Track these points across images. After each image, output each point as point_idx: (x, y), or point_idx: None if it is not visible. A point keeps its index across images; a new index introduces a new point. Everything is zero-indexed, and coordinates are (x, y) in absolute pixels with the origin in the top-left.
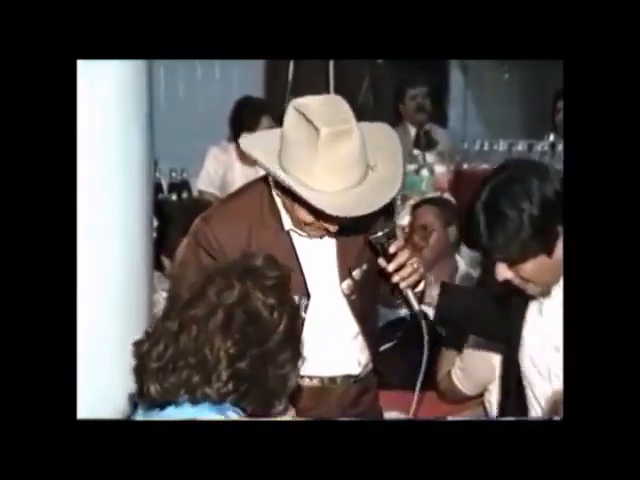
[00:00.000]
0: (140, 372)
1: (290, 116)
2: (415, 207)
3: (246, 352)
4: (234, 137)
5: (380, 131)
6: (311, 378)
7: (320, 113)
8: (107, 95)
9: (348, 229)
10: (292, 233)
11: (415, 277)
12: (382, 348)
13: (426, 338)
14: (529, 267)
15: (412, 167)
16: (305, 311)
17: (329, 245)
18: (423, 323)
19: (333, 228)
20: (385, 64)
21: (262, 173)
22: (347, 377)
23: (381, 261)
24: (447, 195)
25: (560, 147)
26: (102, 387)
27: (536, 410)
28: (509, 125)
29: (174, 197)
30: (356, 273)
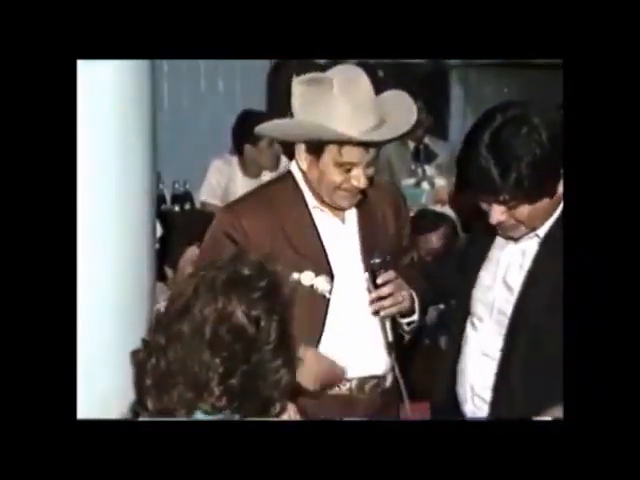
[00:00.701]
0: (138, 383)
1: (298, 89)
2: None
3: (235, 370)
4: (237, 150)
5: (393, 96)
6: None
7: (327, 73)
8: (108, 107)
9: (369, 219)
10: (315, 212)
11: (393, 310)
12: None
13: (397, 370)
14: (527, 209)
15: (412, 180)
16: (330, 293)
17: (352, 231)
18: (393, 356)
19: (363, 182)
20: (384, 77)
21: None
22: (375, 384)
23: (369, 286)
24: (447, 208)
25: None
26: (102, 388)
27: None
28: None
29: (177, 208)
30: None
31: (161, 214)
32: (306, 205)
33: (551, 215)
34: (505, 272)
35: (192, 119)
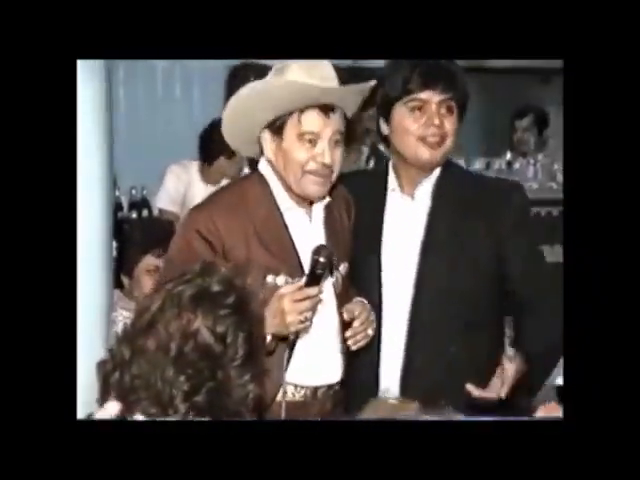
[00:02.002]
0: (102, 396)
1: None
2: None
3: (201, 387)
4: (206, 159)
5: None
6: (295, 387)
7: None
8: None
9: (332, 219)
10: (286, 212)
11: (364, 343)
12: None
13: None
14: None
15: None
16: None
17: (319, 229)
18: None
19: (328, 157)
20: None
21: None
22: (326, 389)
23: (307, 279)
24: None
25: (517, 165)
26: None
27: None
28: (469, 144)
29: (134, 215)
30: (342, 267)
31: (118, 221)
32: (276, 205)
33: None
34: None
35: (149, 124)
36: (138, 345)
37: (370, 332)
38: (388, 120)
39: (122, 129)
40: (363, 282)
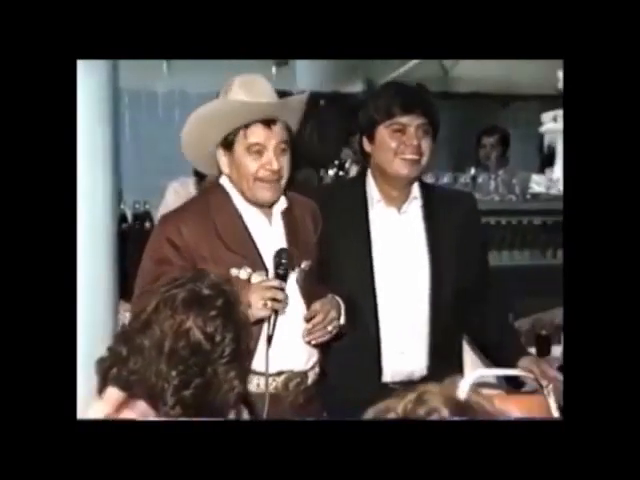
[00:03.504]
0: (102, 388)
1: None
2: None
3: (190, 382)
4: (198, 175)
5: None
6: (261, 375)
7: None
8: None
9: (294, 227)
10: (245, 214)
11: (324, 340)
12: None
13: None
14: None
15: None
16: None
17: (280, 233)
18: (266, 365)
19: (276, 164)
20: (325, 105)
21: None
22: (298, 382)
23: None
24: None
25: (480, 180)
26: None
27: None
28: (438, 161)
29: (137, 226)
30: (305, 265)
31: (122, 231)
32: (236, 210)
33: None
34: None
35: (151, 146)
36: (135, 343)
37: (330, 329)
38: (371, 139)
39: (128, 151)
40: (356, 284)
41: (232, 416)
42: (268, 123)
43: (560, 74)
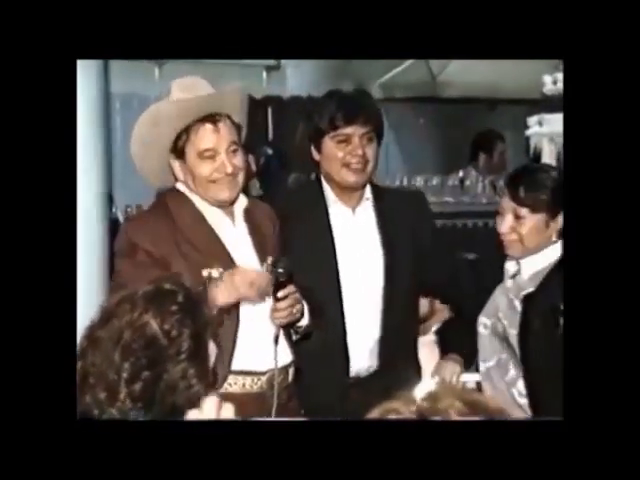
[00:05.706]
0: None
1: None
2: None
3: (139, 375)
4: None
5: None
6: (252, 379)
7: None
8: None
9: (256, 228)
10: (207, 215)
11: (286, 321)
12: None
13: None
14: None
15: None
16: None
17: (243, 233)
18: (275, 362)
19: (230, 167)
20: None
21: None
22: (282, 379)
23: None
24: None
25: (468, 182)
26: None
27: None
28: (425, 163)
29: None
30: (269, 260)
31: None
32: (198, 211)
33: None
34: None
35: None
36: (94, 337)
37: (294, 311)
38: (319, 149)
39: (120, 156)
40: (320, 282)
41: (192, 416)
42: (215, 122)
43: (546, 78)
